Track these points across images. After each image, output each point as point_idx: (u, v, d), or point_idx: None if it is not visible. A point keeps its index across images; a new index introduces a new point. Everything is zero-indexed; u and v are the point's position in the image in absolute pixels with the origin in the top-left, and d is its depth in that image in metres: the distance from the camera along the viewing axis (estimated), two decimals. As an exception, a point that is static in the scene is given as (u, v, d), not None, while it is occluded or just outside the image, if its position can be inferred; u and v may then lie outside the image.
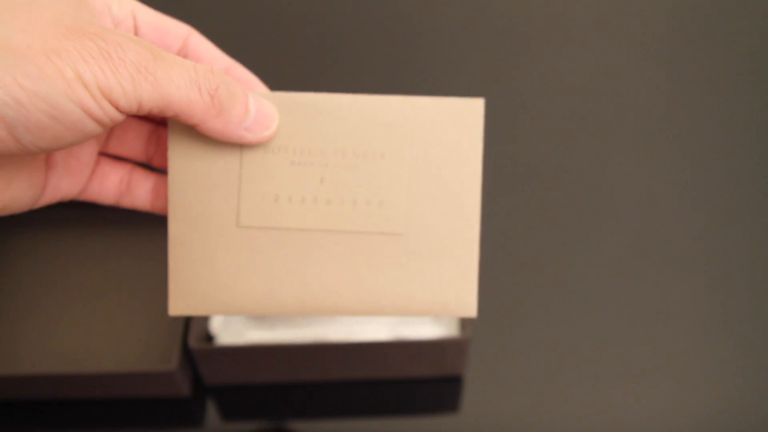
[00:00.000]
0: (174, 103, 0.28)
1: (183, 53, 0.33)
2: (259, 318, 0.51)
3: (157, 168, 0.36)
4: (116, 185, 0.34)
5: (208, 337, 0.50)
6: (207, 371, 0.48)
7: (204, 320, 0.49)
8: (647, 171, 0.63)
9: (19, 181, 0.30)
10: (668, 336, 0.53)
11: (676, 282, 0.56)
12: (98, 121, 0.27)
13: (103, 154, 0.35)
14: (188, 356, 0.49)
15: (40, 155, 0.31)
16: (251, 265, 0.32)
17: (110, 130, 0.34)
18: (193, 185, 0.32)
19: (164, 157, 0.36)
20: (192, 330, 0.47)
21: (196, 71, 0.29)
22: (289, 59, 0.73)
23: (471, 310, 0.35)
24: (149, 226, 0.57)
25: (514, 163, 0.64)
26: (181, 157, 0.32)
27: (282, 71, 0.72)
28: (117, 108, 0.27)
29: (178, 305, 0.33)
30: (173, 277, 0.32)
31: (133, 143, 0.35)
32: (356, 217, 0.32)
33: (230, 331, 0.50)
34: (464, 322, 0.48)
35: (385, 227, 0.32)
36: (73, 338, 0.51)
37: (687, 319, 0.54)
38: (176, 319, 0.51)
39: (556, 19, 0.76)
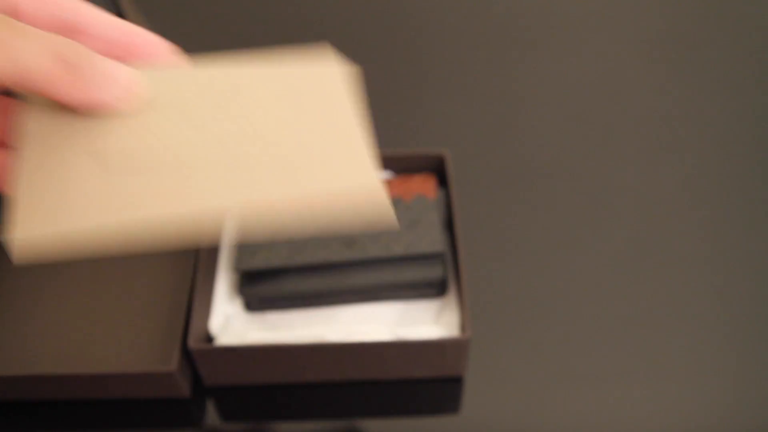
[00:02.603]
0: (30, 74, 0.26)
1: (72, 25, 0.31)
2: (260, 319, 0.51)
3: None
4: None
5: (208, 338, 0.50)
6: (207, 372, 0.48)
7: (204, 320, 0.49)
8: (648, 171, 0.62)
9: None
10: (669, 337, 0.52)
11: (678, 282, 0.55)
12: None
13: None
14: (188, 357, 0.49)
15: None
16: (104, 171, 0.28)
17: None
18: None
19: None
20: (191, 330, 0.47)
21: (52, 41, 0.26)
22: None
23: (373, 185, 0.30)
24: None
25: (514, 162, 0.64)
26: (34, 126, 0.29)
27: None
28: None
29: (24, 227, 0.27)
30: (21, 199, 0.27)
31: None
32: (239, 150, 0.29)
33: (230, 332, 0.50)
34: (464, 323, 0.47)
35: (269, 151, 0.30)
36: (73, 339, 0.51)
37: (689, 319, 0.53)
38: (176, 319, 0.52)
39: (557, 18, 0.76)
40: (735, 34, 0.73)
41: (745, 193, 0.60)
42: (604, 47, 0.73)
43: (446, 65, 0.72)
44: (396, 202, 0.53)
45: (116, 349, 0.50)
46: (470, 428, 0.48)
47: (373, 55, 0.73)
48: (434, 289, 0.51)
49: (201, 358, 0.47)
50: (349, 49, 0.74)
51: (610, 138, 0.65)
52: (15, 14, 0.29)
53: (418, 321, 0.51)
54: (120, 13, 0.56)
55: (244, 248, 0.51)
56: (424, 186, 0.54)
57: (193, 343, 0.46)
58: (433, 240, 0.50)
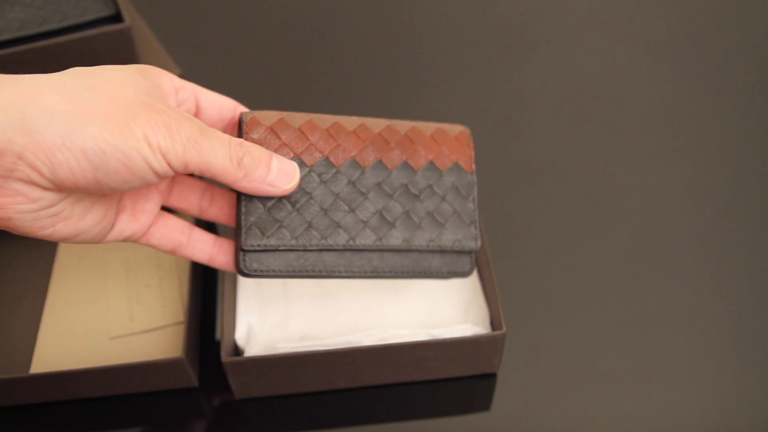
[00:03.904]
0: (212, 168, 0.37)
1: (234, 120, 0.43)
2: (282, 327, 0.49)
3: (208, 220, 0.45)
4: (176, 237, 0.43)
5: (236, 351, 0.48)
6: (238, 385, 0.46)
7: (231, 333, 0.48)
8: (652, 170, 0.63)
9: (92, 215, 0.38)
10: (693, 337, 0.52)
11: (680, 283, 0.55)
12: (156, 173, 0.35)
13: (166, 210, 0.44)
14: (194, 345, 0.48)
15: (114, 200, 0.39)
16: None
17: (171, 187, 0.44)
18: None
19: (215, 211, 0.44)
20: (223, 343, 0.45)
21: (230, 144, 0.38)
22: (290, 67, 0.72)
23: None
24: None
25: (514, 162, 0.63)
26: None
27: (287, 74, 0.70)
28: (170, 165, 0.35)
29: None
30: None
31: (190, 198, 0.44)
32: None
33: (256, 343, 0.48)
34: (498, 319, 0.46)
35: None
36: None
37: (696, 320, 0.53)
38: (179, 310, 0.51)
39: (558, 17, 0.76)
40: (739, 33, 0.74)
41: (750, 190, 0.61)
42: (606, 46, 0.73)
43: (447, 65, 0.71)
44: (430, 167, 0.45)
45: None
46: (503, 425, 0.47)
47: (374, 56, 0.72)
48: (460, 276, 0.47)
49: (233, 371, 0.45)
50: (350, 49, 0.73)
51: (614, 137, 0.65)
52: (197, 113, 0.42)
53: (448, 320, 0.49)
54: (118, 13, 0.54)
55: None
56: (460, 149, 0.46)
57: (224, 356, 0.44)
58: (466, 234, 0.45)
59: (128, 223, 0.41)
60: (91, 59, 0.55)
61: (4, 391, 0.47)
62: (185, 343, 0.46)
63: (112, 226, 0.40)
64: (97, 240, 0.39)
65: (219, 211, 0.45)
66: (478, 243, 0.45)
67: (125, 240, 0.41)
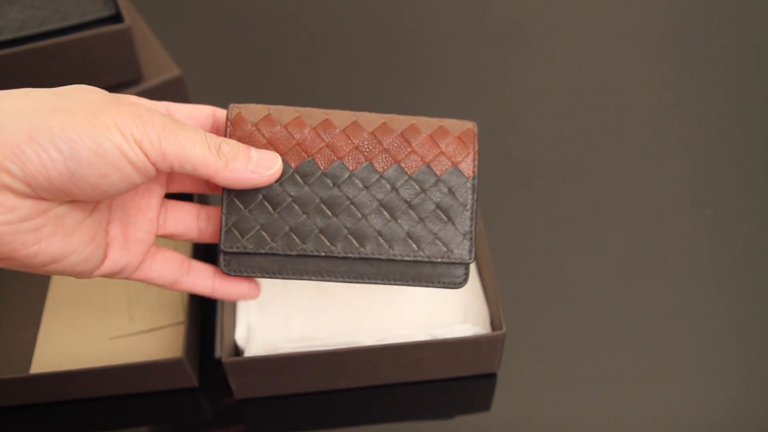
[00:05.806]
0: (192, 157, 0.36)
1: (214, 127, 0.42)
2: (284, 327, 0.49)
3: (208, 242, 0.44)
4: (176, 268, 0.42)
5: (236, 351, 0.48)
6: (238, 384, 0.46)
7: (231, 333, 0.48)
8: (653, 170, 0.62)
9: (80, 234, 0.36)
10: (692, 336, 0.52)
11: (683, 283, 0.55)
12: (134, 165, 0.34)
13: (162, 237, 0.43)
14: (194, 345, 0.48)
15: (102, 221, 0.38)
16: None
17: (166, 213, 0.42)
18: None
19: (214, 229, 0.43)
20: (223, 344, 0.45)
21: (205, 134, 0.37)
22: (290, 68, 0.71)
23: None
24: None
25: (515, 163, 0.63)
26: None
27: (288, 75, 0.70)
28: (146, 156, 0.34)
29: None
30: None
31: (186, 221, 0.43)
32: None
33: (256, 343, 0.48)
34: (498, 319, 0.46)
35: None
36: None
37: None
38: (179, 310, 0.51)
39: (558, 17, 0.76)
40: (739, 33, 0.74)
41: (752, 190, 0.61)
42: (607, 46, 0.73)
43: (447, 64, 0.71)
44: (425, 171, 0.42)
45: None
46: (503, 425, 0.47)
47: (373, 56, 0.72)
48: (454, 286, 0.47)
49: (233, 371, 0.45)
50: (350, 49, 0.73)
51: (614, 137, 0.65)
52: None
53: (448, 320, 0.49)
54: (118, 13, 0.54)
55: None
56: (462, 151, 0.42)
57: (224, 356, 0.44)
58: (459, 246, 0.42)
59: (121, 252, 0.39)
60: (91, 59, 0.55)
61: (4, 391, 0.46)
62: (185, 344, 0.46)
63: (105, 256, 0.39)
64: (89, 269, 0.38)
65: (218, 229, 0.43)
66: (472, 256, 0.41)
67: (120, 273, 0.40)
